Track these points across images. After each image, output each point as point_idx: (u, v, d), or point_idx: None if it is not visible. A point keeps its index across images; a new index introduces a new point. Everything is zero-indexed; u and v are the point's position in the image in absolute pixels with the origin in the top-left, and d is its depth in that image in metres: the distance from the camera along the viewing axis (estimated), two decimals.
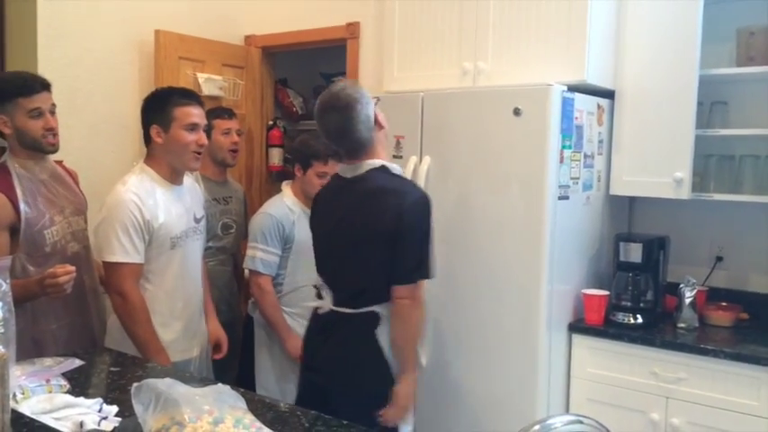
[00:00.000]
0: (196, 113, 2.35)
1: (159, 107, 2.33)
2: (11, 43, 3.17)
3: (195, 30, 3.52)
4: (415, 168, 2.72)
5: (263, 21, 3.82)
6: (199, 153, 2.36)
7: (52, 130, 2.30)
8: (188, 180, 2.52)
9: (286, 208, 2.82)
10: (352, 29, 3.50)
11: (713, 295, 2.75)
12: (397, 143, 2.79)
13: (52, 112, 2.31)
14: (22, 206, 2.22)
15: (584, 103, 2.61)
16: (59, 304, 2.28)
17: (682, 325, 2.57)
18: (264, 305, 2.80)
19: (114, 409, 1.61)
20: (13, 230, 2.21)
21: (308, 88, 4.33)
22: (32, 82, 2.28)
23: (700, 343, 2.40)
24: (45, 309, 2.27)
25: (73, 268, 2.04)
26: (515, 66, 2.65)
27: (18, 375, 1.70)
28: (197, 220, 2.47)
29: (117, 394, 1.74)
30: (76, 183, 2.55)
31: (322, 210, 2.26)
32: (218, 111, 3.13)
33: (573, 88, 2.53)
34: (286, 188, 2.90)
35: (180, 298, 2.38)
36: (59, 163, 2.51)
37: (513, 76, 2.64)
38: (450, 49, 2.82)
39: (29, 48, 3.02)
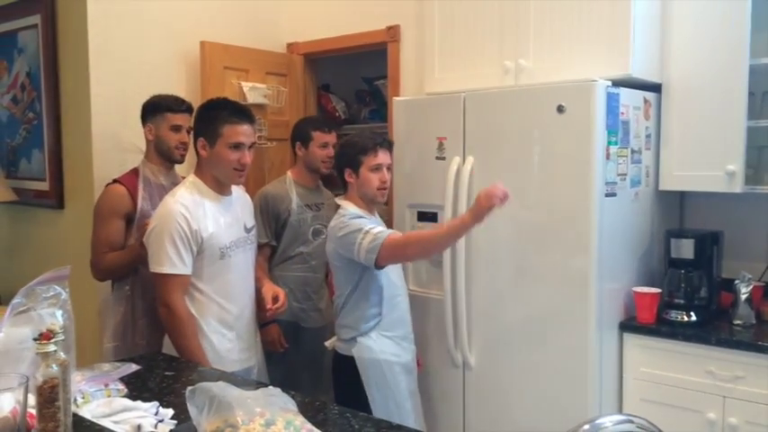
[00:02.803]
0: (243, 132, 2.34)
1: (209, 121, 2.36)
2: (64, 61, 3.29)
3: (238, 39, 3.59)
4: (458, 169, 2.71)
5: (305, 28, 3.87)
6: (241, 170, 2.36)
7: (185, 145, 2.72)
8: (237, 190, 2.54)
9: (355, 215, 2.49)
10: (393, 32, 3.51)
11: None
12: (440, 144, 2.79)
13: (189, 131, 2.68)
14: (140, 200, 2.64)
15: (629, 97, 2.56)
16: (152, 293, 2.47)
17: (738, 322, 2.50)
18: (427, 240, 2.37)
19: (170, 412, 1.65)
20: (129, 220, 2.63)
21: (350, 93, 4.36)
22: (180, 103, 2.73)
23: (757, 340, 2.33)
24: (140, 290, 2.65)
25: None
26: (557, 62, 2.63)
27: (78, 380, 1.76)
28: (247, 230, 2.49)
29: (172, 398, 1.78)
30: None
31: None
32: (318, 123, 3.20)
33: (618, 83, 2.49)
34: (345, 203, 2.55)
35: (233, 307, 2.40)
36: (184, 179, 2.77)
37: (556, 72, 2.61)
38: (491, 47, 2.81)
39: (81, 64, 3.12)
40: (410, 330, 2.59)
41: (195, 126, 2.44)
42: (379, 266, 2.38)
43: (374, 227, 2.38)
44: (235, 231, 2.41)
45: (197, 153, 2.40)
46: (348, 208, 2.51)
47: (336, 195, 2.81)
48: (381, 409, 2.41)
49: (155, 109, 2.72)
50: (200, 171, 2.41)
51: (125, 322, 2.67)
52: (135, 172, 2.73)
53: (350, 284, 2.47)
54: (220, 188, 2.41)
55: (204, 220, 2.30)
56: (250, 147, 2.38)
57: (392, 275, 2.52)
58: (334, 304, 2.63)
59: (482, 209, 2.15)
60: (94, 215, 2.69)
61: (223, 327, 2.37)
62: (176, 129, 2.69)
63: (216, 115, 2.35)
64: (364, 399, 2.42)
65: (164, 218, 2.29)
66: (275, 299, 2.50)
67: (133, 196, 2.64)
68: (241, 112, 2.39)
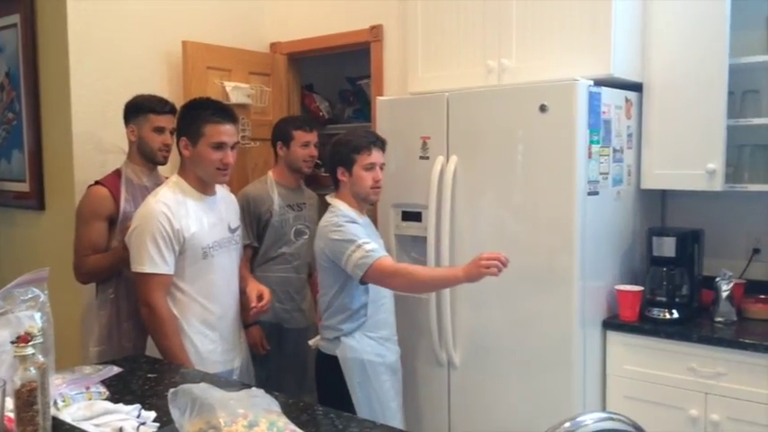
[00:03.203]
0: (226, 132, 2.32)
1: (191, 120, 2.34)
2: (44, 60, 3.25)
3: (221, 39, 3.57)
4: (442, 169, 2.72)
5: (288, 27, 3.86)
6: (224, 170, 2.34)
7: (167, 147, 2.69)
8: (222, 190, 2.52)
9: (348, 216, 2.46)
10: (376, 32, 3.51)
11: (751, 288, 2.69)
12: (424, 144, 2.79)
13: (171, 133, 2.66)
14: (122, 202, 2.61)
15: (611, 97, 2.58)
16: (135, 298, 2.49)
17: (719, 319, 2.52)
18: (416, 280, 2.36)
19: (152, 414, 1.64)
20: (112, 222, 2.61)
21: (334, 93, 4.35)
22: (164, 104, 2.70)
23: (738, 337, 2.36)
24: (125, 294, 2.63)
25: None
26: (540, 62, 2.64)
27: (59, 383, 1.74)
28: (231, 230, 2.47)
29: (154, 400, 1.77)
30: None
31: None
32: (299, 122, 3.18)
33: (599, 82, 2.51)
34: (336, 201, 2.52)
35: (215, 308, 2.38)
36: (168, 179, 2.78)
37: (539, 72, 2.62)
38: (474, 47, 2.81)
39: (61, 64, 3.09)
40: (394, 332, 2.59)
41: (178, 125, 2.42)
42: (363, 282, 2.37)
43: (367, 242, 2.35)
44: (218, 231, 2.39)
45: (180, 153, 2.38)
46: (340, 207, 2.48)
47: (324, 195, 2.79)
48: (366, 409, 2.40)
49: (137, 110, 2.68)
50: (183, 171, 2.39)
51: (110, 326, 2.64)
52: (117, 173, 2.70)
53: (336, 285, 2.45)
54: (204, 188, 2.38)
55: (186, 220, 2.28)
56: (233, 147, 2.35)
57: None
58: (318, 303, 2.62)
59: (480, 273, 2.17)
60: (77, 217, 2.66)
61: (206, 327, 2.35)
62: (159, 130, 2.67)
63: (198, 115, 2.32)
64: (348, 399, 2.42)
65: (145, 217, 2.27)
66: (260, 297, 2.47)
67: (116, 198, 2.62)
68: (224, 111, 2.36)
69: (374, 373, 2.46)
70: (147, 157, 2.70)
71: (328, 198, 2.57)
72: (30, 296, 1.44)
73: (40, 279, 1.44)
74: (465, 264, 2.23)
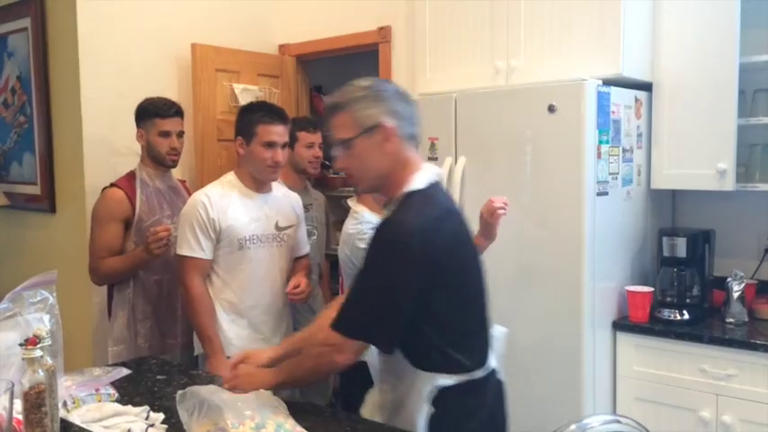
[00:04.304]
0: (276, 132, 2.47)
1: (246, 122, 2.51)
2: (54, 64, 3.28)
3: (230, 41, 3.58)
4: (450, 169, 2.71)
5: (296, 29, 3.86)
6: (274, 167, 2.49)
7: (175, 150, 2.72)
8: (282, 189, 2.68)
9: (372, 224, 2.22)
10: (384, 33, 3.51)
11: (763, 288, 2.67)
12: (432, 145, 2.78)
13: (179, 135, 2.72)
14: (138, 204, 2.66)
15: (620, 96, 2.56)
16: (153, 297, 2.71)
17: (730, 320, 2.50)
18: None
19: (161, 416, 1.64)
20: (128, 224, 2.65)
21: None
22: (170, 107, 2.72)
23: (750, 338, 2.33)
24: (142, 296, 2.69)
25: (169, 227, 2.50)
26: (548, 62, 2.62)
27: (68, 385, 1.75)
28: (279, 229, 2.57)
29: (163, 402, 1.77)
30: None
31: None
32: (303, 123, 3.19)
33: (609, 82, 2.49)
34: (359, 207, 2.42)
35: (247, 297, 2.50)
36: (182, 182, 2.93)
37: (547, 72, 2.60)
38: (482, 47, 2.81)
39: (71, 67, 3.11)
40: None
41: (235, 126, 2.56)
42: None
43: None
44: (259, 227, 2.51)
45: (236, 152, 2.53)
46: (363, 213, 2.38)
47: (331, 196, 2.77)
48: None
49: (144, 114, 2.71)
50: (238, 168, 2.56)
51: (128, 325, 2.69)
52: (131, 175, 2.73)
53: None
54: (257, 186, 2.54)
55: (225, 212, 2.44)
56: (283, 146, 2.50)
57: None
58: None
59: (490, 225, 2.17)
60: (93, 219, 2.69)
61: (235, 314, 2.49)
62: (165, 134, 2.68)
63: (251, 116, 2.50)
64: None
65: (189, 206, 2.49)
66: (296, 286, 2.55)
67: (131, 200, 2.65)
68: (275, 112, 2.53)
69: None
70: (156, 161, 2.72)
71: (350, 202, 2.51)
72: (39, 299, 1.46)
73: (49, 281, 1.45)
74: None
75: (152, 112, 2.69)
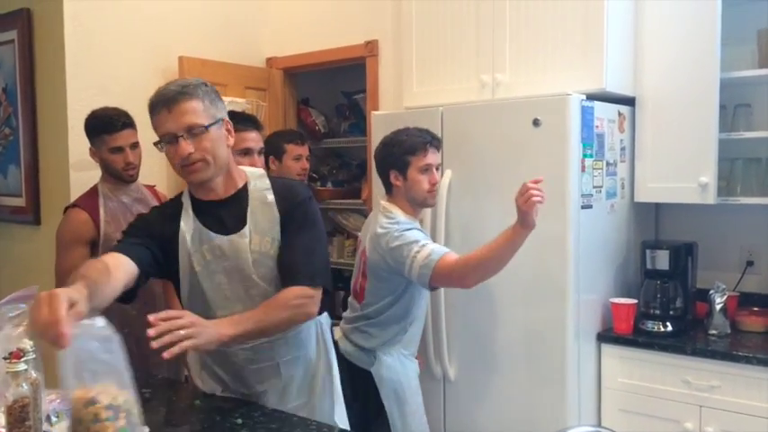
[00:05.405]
0: (251, 138, 2.47)
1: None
2: (41, 76, 3.27)
3: (217, 54, 3.59)
4: None
5: (284, 42, 3.88)
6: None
7: (131, 164, 2.56)
8: None
9: (407, 224, 2.32)
10: (371, 47, 3.53)
11: (745, 300, 2.70)
12: None
13: (133, 148, 2.56)
14: (102, 224, 2.52)
15: (604, 111, 2.60)
16: (130, 313, 2.42)
17: (713, 332, 2.53)
18: (488, 261, 2.15)
19: (146, 429, 1.63)
20: (94, 245, 2.51)
21: (330, 107, 4.37)
22: (116, 121, 2.54)
23: (732, 350, 2.36)
24: (117, 319, 2.37)
25: None
26: (533, 76, 2.66)
27: (53, 399, 1.74)
28: None
29: (148, 416, 1.76)
30: None
31: None
32: (291, 136, 3.19)
33: (592, 97, 2.53)
34: (391, 206, 2.37)
35: None
36: (151, 188, 2.79)
37: (532, 86, 2.64)
38: (468, 62, 2.84)
39: (58, 80, 3.11)
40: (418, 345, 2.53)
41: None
42: (431, 287, 2.23)
43: (430, 243, 2.22)
44: None
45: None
46: (395, 214, 2.33)
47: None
48: (400, 425, 2.34)
49: (92, 131, 2.57)
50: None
51: None
52: (94, 192, 2.61)
53: (390, 296, 2.32)
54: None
55: None
56: (259, 152, 2.52)
57: (425, 292, 2.40)
58: (358, 308, 2.44)
59: (526, 214, 2.01)
60: (57, 243, 2.57)
61: None
62: (117, 150, 2.54)
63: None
64: (384, 412, 2.33)
65: None
66: None
67: (95, 221, 2.53)
68: (247, 120, 2.53)
69: (410, 391, 2.38)
70: (115, 176, 2.60)
71: (382, 202, 2.44)
72: (16, 313, 1.45)
73: (29, 296, 1.45)
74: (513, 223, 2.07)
75: (99, 128, 2.54)
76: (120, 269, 1.64)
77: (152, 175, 3.22)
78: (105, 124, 2.53)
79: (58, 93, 3.11)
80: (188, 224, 1.81)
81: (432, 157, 2.35)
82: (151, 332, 1.46)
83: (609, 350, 2.59)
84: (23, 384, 1.32)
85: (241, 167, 1.92)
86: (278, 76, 3.92)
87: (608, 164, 2.65)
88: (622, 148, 2.73)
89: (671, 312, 2.60)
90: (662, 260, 2.62)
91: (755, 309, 2.66)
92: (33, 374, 1.34)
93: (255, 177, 1.88)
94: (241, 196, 1.84)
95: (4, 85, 3.49)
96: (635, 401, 2.51)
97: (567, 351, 2.46)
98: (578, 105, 2.45)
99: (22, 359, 1.32)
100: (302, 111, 4.19)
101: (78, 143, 3.09)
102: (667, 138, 2.66)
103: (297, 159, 3.11)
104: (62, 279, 2.44)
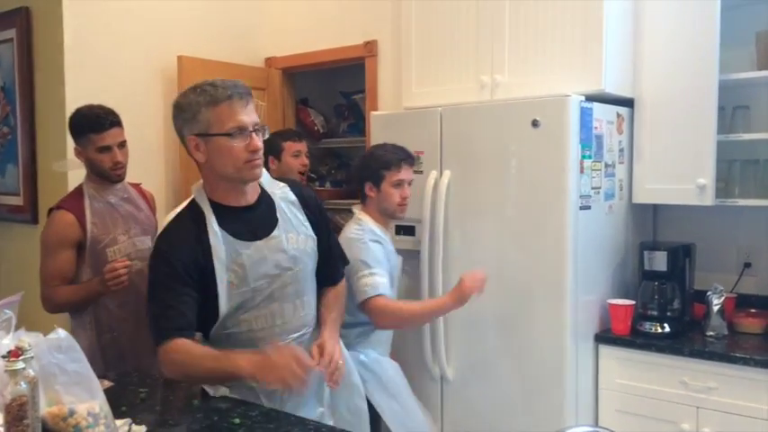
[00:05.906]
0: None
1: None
2: (39, 75, 3.27)
3: (216, 54, 3.59)
4: (435, 183, 2.73)
5: (283, 42, 3.88)
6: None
7: (119, 164, 2.47)
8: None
9: (374, 234, 2.45)
10: (370, 47, 3.54)
11: (742, 302, 2.71)
12: (417, 158, 2.80)
13: (121, 147, 2.47)
14: (89, 226, 2.43)
15: (602, 112, 2.60)
16: (119, 316, 2.47)
17: (710, 333, 2.53)
18: (405, 319, 2.43)
19: (143, 429, 1.63)
20: (80, 247, 2.44)
21: (328, 107, 4.37)
22: (103, 119, 2.44)
23: (729, 351, 2.37)
24: (106, 322, 2.48)
25: (128, 262, 2.33)
26: (532, 78, 2.66)
27: None
28: None
29: (145, 415, 1.76)
30: (151, 204, 2.72)
31: None
32: (288, 133, 3.18)
33: (591, 98, 2.53)
34: (363, 215, 2.50)
35: None
36: (137, 186, 2.70)
37: (531, 87, 2.64)
38: (468, 63, 2.84)
39: (56, 79, 3.10)
40: (389, 349, 2.55)
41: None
42: (359, 307, 2.33)
43: (379, 274, 2.34)
44: None
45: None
46: (367, 222, 2.47)
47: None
48: (389, 413, 2.39)
49: (78, 130, 2.47)
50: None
51: (91, 353, 2.27)
52: (79, 192, 2.51)
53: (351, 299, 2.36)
54: None
55: None
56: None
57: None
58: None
59: (464, 294, 2.27)
60: (42, 246, 2.47)
61: None
62: (105, 149, 2.43)
63: None
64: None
65: None
66: None
67: (81, 223, 2.43)
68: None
69: (386, 377, 2.44)
70: (101, 176, 2.49)
71: (355, 209, 2.57)
72: (1, 319, 1.46)
73: (14, 302, 1.46)
74: (449, 292, 2.34)
75: (86, 127, 2.44)
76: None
77: (150, 175, 3.23)
78: (92, 123, 2.43)
79: (56, 92, 3.11)
80: (216, 240, 1.75)
81: (405, 173, 2.48)
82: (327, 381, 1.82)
83: (606, 351, 2.59)
84: (22, 383, 1.32)
85: None
86: (277, 75, 3.92)
87: (606, 165, 2.65)
88: (621, 150, 2.74)
89: (668, 313, 2.60)
90: (660, 261, 2.63)
91: (753, 310, 2.66)
92: (31, 373, 1.34)
93: (266, 179, 1.89)
94: (265, 199, 1.85)
95: (2, 83, 3.48)
96: (632, 402, 2.51)
97: (564, 352, 2.46)
98: (577, 106, 2.46)
99: (21, 357, 1.31)
100: (301, 111, 4.19)
101: None
102: (666, 139, 2.67)
103: (296, 156, 3.11)
104: (47, 283, 2.44)
